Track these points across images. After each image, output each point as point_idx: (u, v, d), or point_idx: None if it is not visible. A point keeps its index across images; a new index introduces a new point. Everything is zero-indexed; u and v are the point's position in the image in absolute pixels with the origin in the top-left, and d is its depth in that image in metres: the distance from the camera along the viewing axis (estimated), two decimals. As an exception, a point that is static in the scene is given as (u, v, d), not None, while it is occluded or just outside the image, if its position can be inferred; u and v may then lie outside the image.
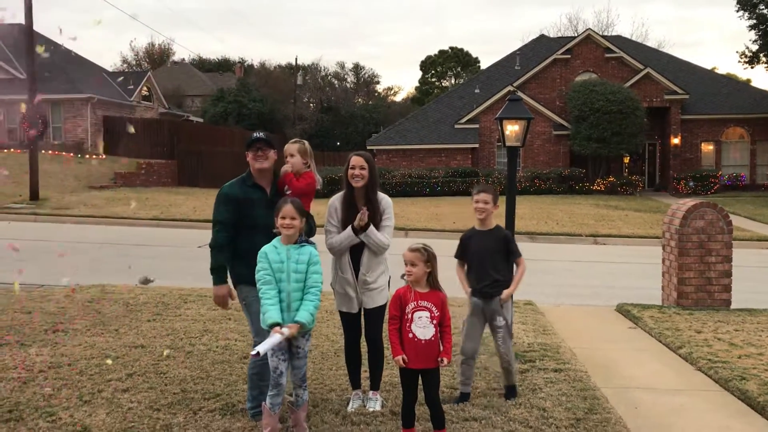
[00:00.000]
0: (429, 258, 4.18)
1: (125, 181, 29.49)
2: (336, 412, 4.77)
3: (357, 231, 4.74)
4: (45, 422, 4.45)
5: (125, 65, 72.53)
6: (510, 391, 5.20)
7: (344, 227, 4.80)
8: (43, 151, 29.86)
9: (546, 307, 9.01)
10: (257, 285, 4.17)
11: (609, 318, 8.70)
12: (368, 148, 35.06)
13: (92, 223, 19.36)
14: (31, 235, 16.20)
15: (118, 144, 34.42)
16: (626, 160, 34.93)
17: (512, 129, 6.17)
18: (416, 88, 75.29)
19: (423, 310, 4.16)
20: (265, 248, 4.20)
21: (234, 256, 4.65)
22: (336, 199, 4.94)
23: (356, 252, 4.83)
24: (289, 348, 4.20)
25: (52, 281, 10.05)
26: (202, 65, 78.10)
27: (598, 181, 31.74)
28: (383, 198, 4.93)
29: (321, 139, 52.71)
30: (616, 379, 5.97)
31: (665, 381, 6.00)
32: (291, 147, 4.80)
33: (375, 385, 4.97)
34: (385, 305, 4.87)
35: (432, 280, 4.22)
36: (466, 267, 5.34)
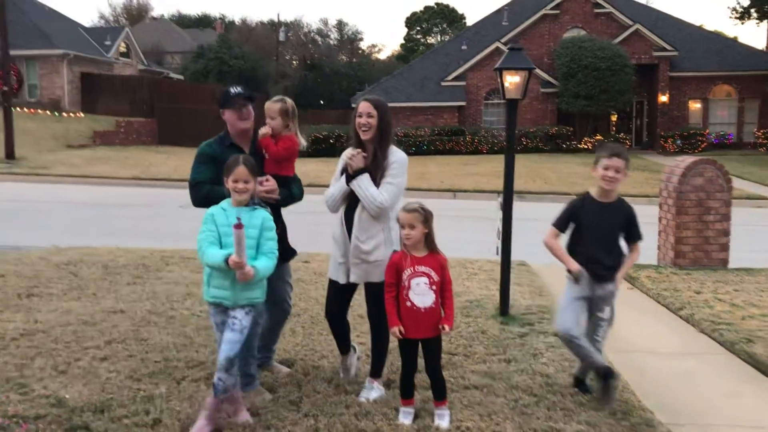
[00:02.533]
0: (427, 218, 3.83)
1: (104, 139, 28.79)
2: (329, 380, 4.49)
3: (349, 177, 4.17)
4: (16, 394, 4.14)
5: (103, 21, 70.61)
6: (606, 374, 4.25)
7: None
8: (19, 109, 29.04)
9: (539, 267, 8.77)
10: (198, 248, 3.67)
11: (604, 278, 8.48)
12: (352, 106, 34.44)
13: (70, 183, 18.85)
14: (6, 196, 15.70)
15: (97, 102, 33.59)
16: (614, 118, 34.65)
17: (512, 80, 5.81)
18: (401, 46, 74.09)
19: (421, 275, 3.83)
20: (212, 209, 3.76)
21: None
22: (347, 151, 4.32)
23: (353, 209, 4.22)
24: (225, 319, 3.78)
25: (28, 243, 9.67)
26: (182, 21, 76.27)
27: (586, 139, 31.47)
28: (394, 152, 4.24)
29: (304, 97, 51.86)
30: (618, 343, 5.74)
31: (668, 344, 5.79)
32: (272, 107, 4.34)
33: (376, 372, 4.39)
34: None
35: (429, 242, 3.88)
36: (564, 241, 4.53)
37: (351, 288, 4.42)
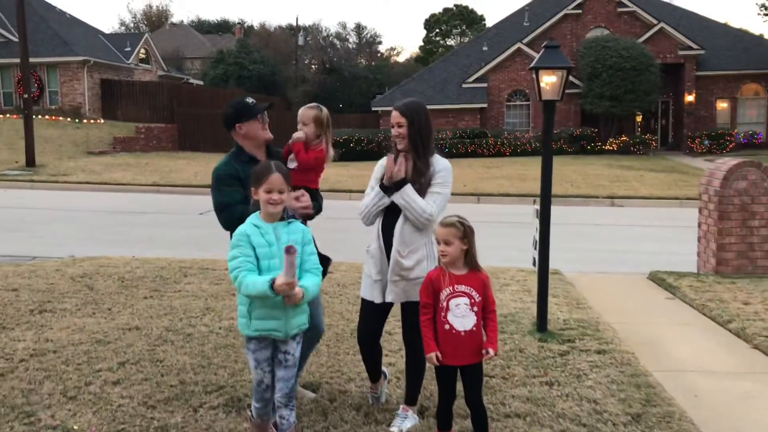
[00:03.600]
0: (465, 233, 3.46)
1: (124, 146, 28.72)
2: (357, 407, 4.14)
3: (388, 189, 3.84)
4: (22, 425, 3.84)
5: (123, 28, 71.04)
6: None
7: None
8: (39, 116, 29.11)
9: (573, 275, 8.36)
10: (233, 278, 3.24)
11: (642, 287, 8.05)
12: (373, 109, 34.18)
13: (89, 190, 18.71)
14: (26, 203, 15.56)
15: (117, 108, 33.60)
16: (639, 118, 33.97)
17: (549, 80, 5.43)
18: (420, 48, 73.67)
19: (460, 295, 3.46)
20: (244, 228, 3.28)
21: None
22: (386, 158, 3.97)
23: (391, 221, 3.86)
24: (273, 355, 3.39)
25: (45, 252, 9.44)
26: (201, 27, 76.50)
27: (611, 140, 30.87)
28: (437, 161, 3.89)
29: (324, 101, 51.48)
30: (666, 360, 5.34)
31: (721, 362, 5.36)
32: (306, 113, 4.01)
33: (410, 399, 4.02)
34: None
35: (470, 259, 3.50)
36: None
37: (386, 308, 4.06)
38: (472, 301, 3.46)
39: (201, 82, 48.56)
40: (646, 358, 5.25)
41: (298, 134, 3.96)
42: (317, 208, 4.01)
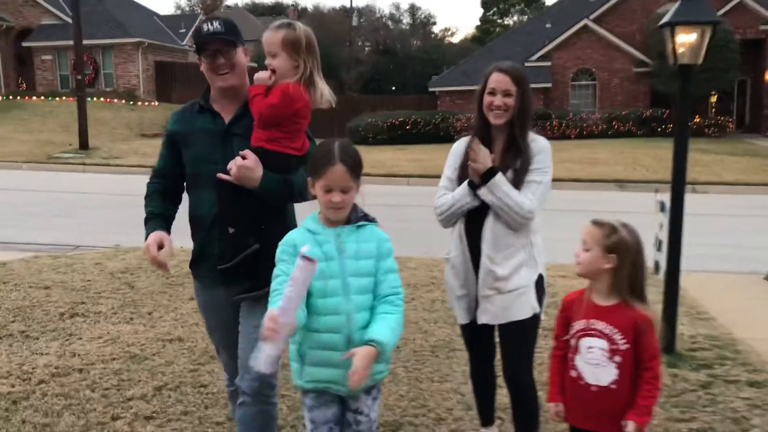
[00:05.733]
0: (616, 245, 2.39)
1: (177, 128, 28.28)
2: (455, 463, 3.17)
3: (475, 186, 2.95)
4: (27, 479, 3.00)
5: (179, 11, 71.29)
6: None
7: (461, 181, 3.04)
8: (94, 99, 28.94)
9: (677, 276, 7.16)
10: (273, 302, 2.23)
11: (764, 290, 6.84)
12: (430, 90, 33.00)
13: (142, 173, 18.16)
14: (76, 187, 15.07)
15: (171, 90, 33.27)
16: (713, 99, 31.89)
17: (686, 40, 4.33)
18: (477, 28, 71.79)
19: (596, 335, 2.42)
20: (293, 236, 2.39)
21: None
22: (462, 141, 3.17)
23: (477, 221, 2.99)
24: (342, 414, 2.44)
25: (90, 240, 8.73)
26: (256, 9, 76.24)
27: (683, 122, 28.99)
28: (536, 139, 3.04)
29: (378, 83, 50.70)
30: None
31: None
32: (273, 38, 2.64)
33: None
34: (532, 321, 3.00)
35: (620, 284, 2.42)
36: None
37: (489, 330, 3.13)
38: (613, 347, 2.40)
39: (255, 65, 48.12)
40: (810, 393, 4.12)
41: (261, 75, 2.66)
42: (289, 187, 2.72)
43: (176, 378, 4.10)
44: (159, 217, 2.92)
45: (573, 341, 2.46)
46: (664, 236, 4.65)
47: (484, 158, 2.90)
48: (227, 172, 2.63)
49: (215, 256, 2.76)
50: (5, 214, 10.94)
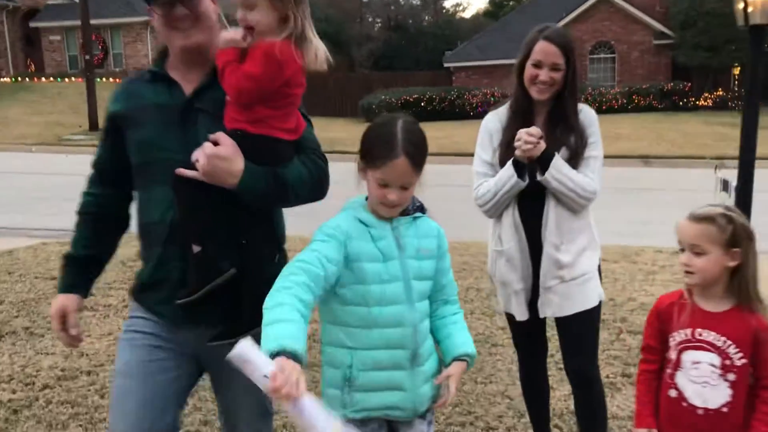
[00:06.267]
0: (741, 236, 1.97)
1: (189, 108, 27.91)
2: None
3: (523, 166, 2.57)
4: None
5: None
6: None
7: (503, 163, 2.65)
8: (104, 79, 28.54)
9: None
10: (273, 289, 1.70)
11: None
12: (445, 65, 32.38)
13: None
14: (86, 169, 14.72)
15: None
16: (736, 71, 31.04)
17: (759, -3, 3.83)
18: (489, 2, 70.75)
19: (705, 348, 2.00)
20: (339, 222, 1.88)
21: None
22: (494, 117, 2.77)
23: (533, 206, 2.63)
24: None
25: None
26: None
27: (705, 95, 28.24)
28: (583, 110, 2.68)
29: (389, 59, 49.97)
30: None
31: None
32: None
33: None
34: (598, 309, 2.71)
35: (740, 286, 1.99)
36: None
37: (542, 325, 2.82)
38: (727, 362, 1.98)
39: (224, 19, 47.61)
40: None
41: (229, 35, 1.93)
42: (282, 185, 1.93)
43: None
44: (78, 263, 2.11)
45: (673, 354, 2.03)
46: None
47: (541, 141, 2.53)
48: (190, 165, 1.85)
49: (173, 284, 1.94)
50: (13, 199, 10.61)
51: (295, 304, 1.63)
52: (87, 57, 21.67)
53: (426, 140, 1.89)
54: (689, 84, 28.56)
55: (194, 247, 1.89)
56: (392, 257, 1.88)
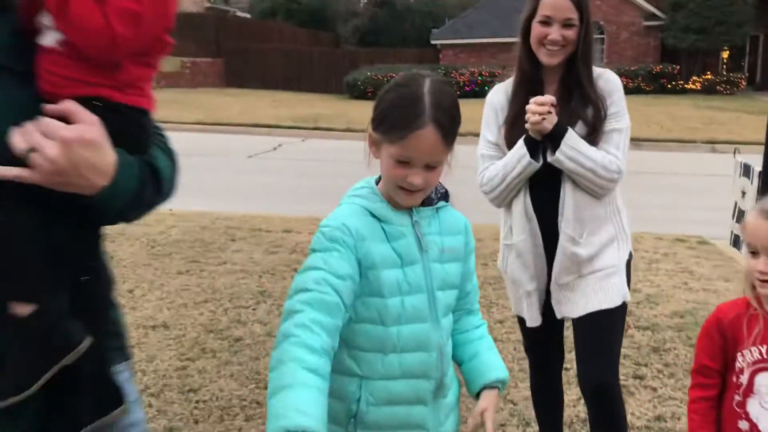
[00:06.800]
0: None
1: (169, 81, 27.13)
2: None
3: (537, 144, 2.20)
4: None
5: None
6: None
7: (511, 142, 2.27)
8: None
9: (723, 245, 6.40)
10: (285, 315, 1.32)
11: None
12: (432, 43, 31.86)
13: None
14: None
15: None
16: (725, 54, 30.82)
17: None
18: (476, -20, 69.95)
19: None
20: (345, 218, 1.43)
21: None
22: (500, 90, 2.38)
23: (549, 192, 2.26)
24: None
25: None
26: (248, -41, 73.95)
27: (694, 78, 28.00)
28: (602, 75, 2.30)
29: (375, 36, 49.24)
30: None
31: None
32: None
33: None
34: (621, 311, 2.31)
35: None
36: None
37: (558, 328, 2.45)
38: None
39: (248, 15, 46.61)
40: None
41: None
42: (166, 182, 1.29)
43: (159, 379, 3.32)
44: None
45: (743, 378, 1.68)
46: (748, 206, 3.84)
47: (548, 113, 2.14)
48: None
49: None
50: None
51: (304, 358, 1.22)
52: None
53: (459, 106, 1.46)
54: (678, 67, 28.31)
55: (17, 309, 1.09)
56: (413, 261, 1.46)
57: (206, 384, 3.27)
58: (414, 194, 1.44)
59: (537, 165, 2.20)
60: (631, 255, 2.38)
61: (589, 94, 2.23)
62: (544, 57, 2.23)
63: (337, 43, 42.81)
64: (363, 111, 22.73)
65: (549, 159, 2.19)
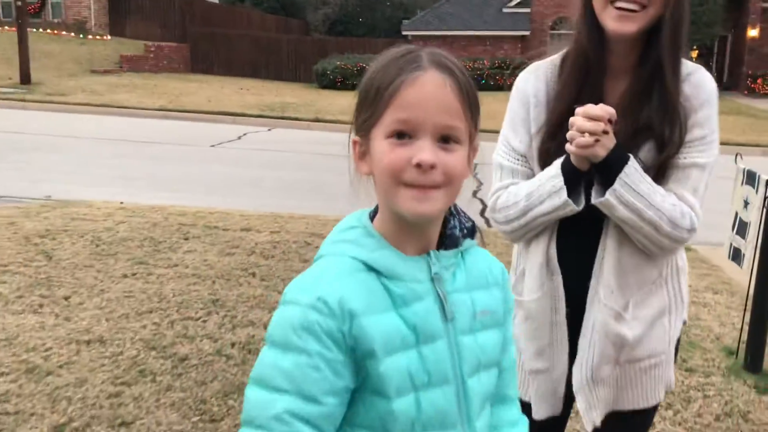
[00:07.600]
0: None
1: (131, 65, 26.28)
2: None
3: (579, 176, 1.53)
4: None
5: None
6: None
7: (546, 160, 1.60)
8: (40, 30, 26.72)
9: (707, 250, 6.13)
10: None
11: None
12: (403, 33, 31.41)
13: (88, 113, 16.48)
14: (13, 126, 13.41)
15: (125, 24, 31.03)
16: (694, 54, 30.93)
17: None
18: (448, -28, 69.58)
19: None
20: (335, 285, 0.94)
21: None
22: (537, 75, 1.66)
23: (582, 237, 1.61)
24: None
25: (22, 191, 7.31)
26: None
27: (663, 77, 28.07)
28: (694, 74, 1.56)
29: (345, 25, 48.65)
30: None
31: None
32: None
33: None
34: (656, 408, 1.74)
35: None
36: None
37: (562, 422, 1.80)
38: None
39: (216, 0, 45.63)
40: None
41: None
42: None
43: (87, 409, 2.86)
44: None
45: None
46: (751, 217, 3.51)
47: (602, 127, 1.43)
48: None
49: None
50: None
51: None
52: (19, 3, 19.93)
53: (471, 81, 1.01)
54: (649, 65, 28.33)
55: None
56: (434, 336, 0.98)
57: (141, 416, 2.82)
58: (428, 192, 0.93)
59: (576, 209, 1.54)
60: (684, 324, 1.73)
61: (672, 100, 1.51)
62: (611, 22, 1.49)
63: (306, 31, 42.22)
64: (332, 101, 22.19)
65: (594, 200, 1.53)
